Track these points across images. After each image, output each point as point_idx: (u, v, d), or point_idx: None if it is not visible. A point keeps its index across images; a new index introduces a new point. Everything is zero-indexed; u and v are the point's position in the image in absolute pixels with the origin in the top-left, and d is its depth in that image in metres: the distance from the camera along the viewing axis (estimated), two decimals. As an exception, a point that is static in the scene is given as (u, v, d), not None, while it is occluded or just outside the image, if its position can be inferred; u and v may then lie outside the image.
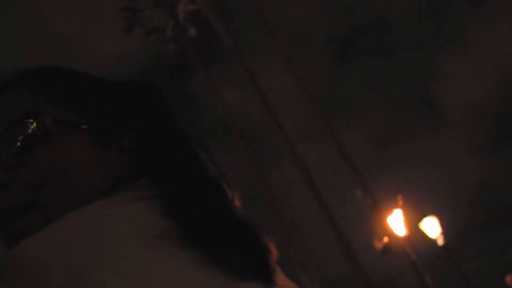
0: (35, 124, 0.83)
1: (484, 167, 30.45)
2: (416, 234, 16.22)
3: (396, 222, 15.87)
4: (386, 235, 15.87)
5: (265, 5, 18.53)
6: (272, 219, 15.18)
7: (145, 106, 0.91)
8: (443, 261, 16.35)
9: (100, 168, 0.85)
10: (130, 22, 20.47)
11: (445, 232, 16.36)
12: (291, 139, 16.51)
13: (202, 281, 0.71)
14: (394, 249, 15.71)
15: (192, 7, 20.15)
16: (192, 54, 19.64)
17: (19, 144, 0.82)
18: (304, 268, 14.57)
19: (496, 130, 30.86)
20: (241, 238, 0.77)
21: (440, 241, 16.19)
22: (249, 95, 17.82)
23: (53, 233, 0.72)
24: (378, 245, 16.06)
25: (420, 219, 16.41)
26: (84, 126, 0.85)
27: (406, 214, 16.07)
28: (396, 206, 16.07)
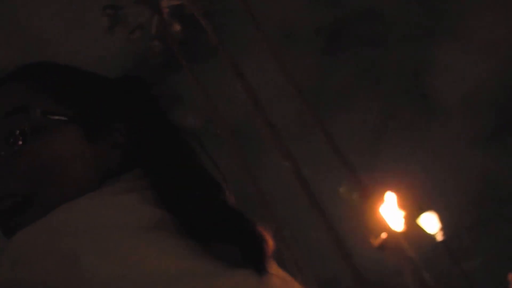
0: (25, 117, 0.85)
1: (484, 159, 30.20)
2: (414, 230, 16.10)
3: (393, 218, 15.64)
4: (382, 232, 15.67)
5: (251, 0, 18.32)
6: (263, 218, 15.11)
7: (136, 100, 0.93)
8: (442, 258, 16.23)
9: (91, 160, 0.86)
10: (112, 21, 20.24)
11: (444, 228, 16.29)
12: (281, 135, 16.40)
13: (196, 268, 0.72)
14: (391, 245, 15.51)
15: (176, 2, 19.99)
16: (178, 51, 19.51)
17: (10, 137, 0.84)
18: (298, 268, 14.64)
19: (495, 120, 30.55)
20: (235, 226, 0.78)
21: (439, 237, 16.11)
22: (237, 91, 17.67)
23: (47, 222, 0.74)
24: (375, 242, 15.88)
25: (418, 214, 16.36)
26: (75, 119, 0.87)
27: (403, 209, 15.90)
28: (393, 202, 15.86)
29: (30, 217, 0.81)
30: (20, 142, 0.84)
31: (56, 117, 0.86)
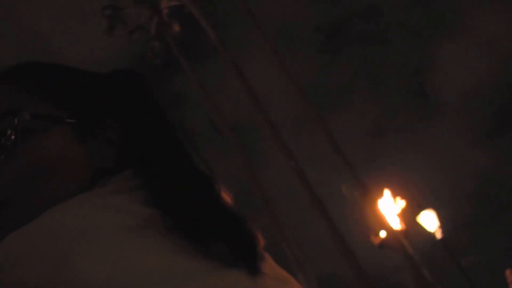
0: (14, 120, 0.84)
1: (482, 156, 30.23)
2: (413, 227, 16.11)
3: (392, 216, 15.65)
4: (382, 230, 15.68)
5: None
6: (265, 217, 15.14)
7: (129, 95, 0.91)
8: (441, 255, 16.23)
9: (83, 160, 0.86)
10: (112, 22, 20.19)
11: (443, 225, 16.28)
12: (281, 134, 16.41)
13: (187, 267, 0.72)
14: (391, 243, 15.54)
15: (175, 3, 19.93)
16: (178, 51, 19.47)
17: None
18: (299, 266, 14.52)
19: (494, 118, 30.56)
20: (227, 225, 0.78)
21: (438, 235, 16.07)
22: (238, 90, 17.69)
23: (36, 226, 0.73)
24: (375, 240, 15.91)
25: (417, 212, 16.33)
26: (65, 119, 0.86)
27: (402, 207, 15.89)
28: (392, 200, 15.87)
29: (14, 216, 0.81)
30: (8, 146, 0.84)
31: (45, 119, 0.85)
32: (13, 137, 0.83)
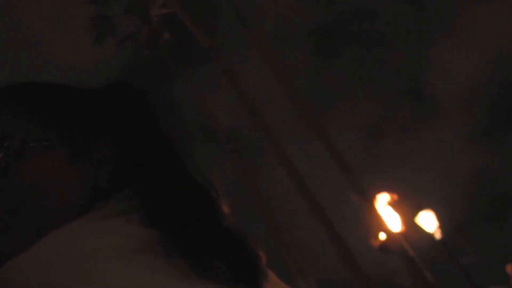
0: (4, 147, 0.83)
1: (479, 156, 30.21)
2: (412, 229, 16.11)
3: (391, 217, 15.64)
4: (381, 232, 15.67)
5: (242, 2, 18.33)
6: (264, 223, 15.21)
7: (123, 111, 0.89)
8: (441, 256, 16.24)
9: (77, 182, 0.84)
10: (101, 31, 20.12)
11: (443, 226, 16.29)
12: (277, 139, 16.38)
13: None
14: (391, 246, 15.51)
15: (166, 11, 19.90)
16: (169, 59, 19.47)
17: None
18: (299, 272, 14.56)
19: (490, 117, 30.53)
20: (227, 245, 0.77)
21: (438, 235, 16.06)
22: (232, 96, 17.69)
23: (32, 255, 0.72)
24: (375, 243, 15.89)
25: (416, 213, 16.33)
26: (57, 142, 0.85)
27: (401, 209, 15.88)
28: (390, 202, 15.86)
29: (10, 243, 0.80)
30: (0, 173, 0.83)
31: (36, 144, 0.84)
32: (3, 164, 0.82)
